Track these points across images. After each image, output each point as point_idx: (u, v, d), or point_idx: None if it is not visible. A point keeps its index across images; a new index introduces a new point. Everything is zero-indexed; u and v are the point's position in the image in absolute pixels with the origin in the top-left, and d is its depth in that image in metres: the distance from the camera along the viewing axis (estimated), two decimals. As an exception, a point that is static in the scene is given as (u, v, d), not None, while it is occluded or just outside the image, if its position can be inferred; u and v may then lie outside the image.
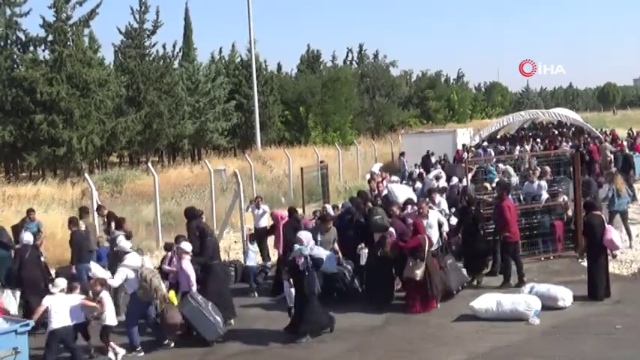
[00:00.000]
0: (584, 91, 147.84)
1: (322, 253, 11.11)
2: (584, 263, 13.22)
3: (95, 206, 14.74)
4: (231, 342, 10.39)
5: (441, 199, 14.96)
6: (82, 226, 12.90)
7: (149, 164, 22.86)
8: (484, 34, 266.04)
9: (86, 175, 19.28)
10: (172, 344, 10.24)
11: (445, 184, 18.13)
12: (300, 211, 16.25)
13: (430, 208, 13.06)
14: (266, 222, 15.59)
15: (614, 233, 11.82)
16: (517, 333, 10.07)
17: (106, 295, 9.95)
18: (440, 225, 12.38)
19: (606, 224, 11.84)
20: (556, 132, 43.55)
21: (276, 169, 29.93)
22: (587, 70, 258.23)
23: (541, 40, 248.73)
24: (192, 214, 12.53)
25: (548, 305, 10.90)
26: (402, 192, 15.08)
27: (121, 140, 35.24)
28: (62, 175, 32.73)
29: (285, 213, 14.06)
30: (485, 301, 10.87)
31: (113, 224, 13.33)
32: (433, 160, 29.76)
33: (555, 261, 14.40)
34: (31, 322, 9.07)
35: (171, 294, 10.55)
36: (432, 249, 11.71)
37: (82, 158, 33.07)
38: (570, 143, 30.81)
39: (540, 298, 10.85)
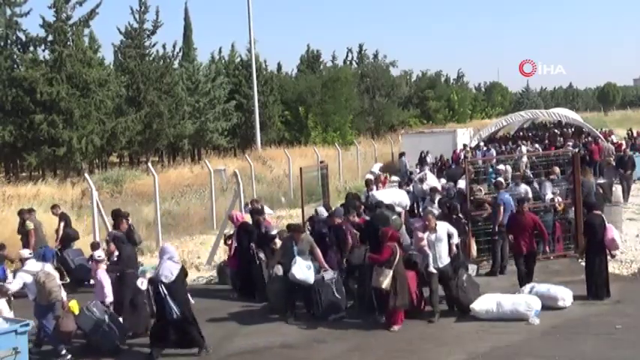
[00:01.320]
0: (584, 91, 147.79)
1: (300, 267, 10.93)
2: (584, 263, 13.22)
3: (95, 205, 14.77)
4: (231, 342, 10.38)
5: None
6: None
7: (149, 164, 22.88)
8: (484, 34, 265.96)
9: (86, 175, 19.28)
10: (69, 356, 9.89)
11: (435, 186, 17.42)
12: (298, 211, 16.17)
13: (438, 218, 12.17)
14: None
15: (615, 233, 11.82)
16: (517, 333, 10.07)
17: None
18: (449, 236, 11.33)
19: (607, 224, 11.83)
20: (557, 132, 43.61)
21: (276, 169, 29.94)
22: (587, 70, 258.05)
23: (541, 40, 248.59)
24: (115, 216, 12.44)
25: (548, 305, 10.90)
26: (385, 197, 14.33)
27: (121, 140, 35.25)
28: (62, 175, 32.73)
29: (240, 214, 13.81)
30: (486, 302, 10.86)
31: (61, 225, 13.52)
32: (429, 160, 29.80)
33: (555, 261, 14.40)
34: (32, 323, 9.07)
35: (72, 302, 10.23)
36: (442, 265, 11.02)
37: (82, 158, 33.08)
38: (572, 143, 30.81)
39: (540, 298, 10.85)
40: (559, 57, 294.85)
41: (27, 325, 8.79)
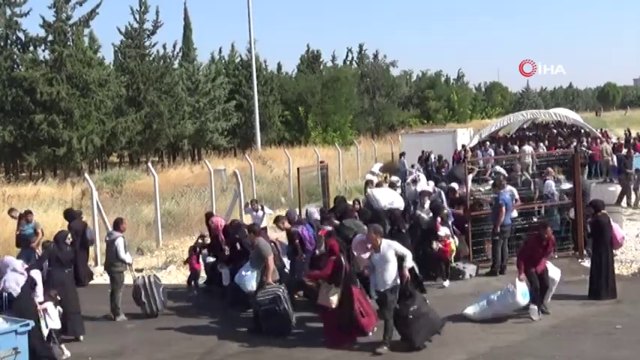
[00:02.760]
0: (584, 91, 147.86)
1: (241, 271, 10.62)
2: (584, 263, 13.23)
3: (95, 205, 14.77)
4: (231, 342, 10.38)
5: (427, 204, 14.22)
6: None
7: (149, 164, 22.86)
8: (484, 34, 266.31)
9: (86, 175, 19.29)
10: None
11: (427, 188, 16.82)
12: (297, 211, 16.10)
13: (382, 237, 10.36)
14: (265, 224, 15.50)
15: (621, 232, 11.81)
16: (517, 333, 10.07)
17: None
18: (401, 259, 9.58)
19: (612, 223, 11.76)
20: (554, 132, 43.63)
21: (276, 169, 29.91)
22: (587, 70, 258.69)
23: (541, 40, 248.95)
24: (67, 217, 12.34)
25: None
26: (384, 196, 13.96)
27: (121, 140, 35.28)
28: (62, 175, 32.74)
29: (221, 220, 13.61)
30: (477, 304, 10.74)
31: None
32: (432, 159, 29.74)
33: (555, 261, 14.35)
34: (31, 323, 9.06)
35: None
36: (385, 288, 9.49)
37: (82, 158, 33.11)
38: (574, 144, 30.82)
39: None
40: (559, 57, 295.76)
41: (27, 325, 8.78)
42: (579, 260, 13.91)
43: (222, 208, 19.17)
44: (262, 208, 15.77)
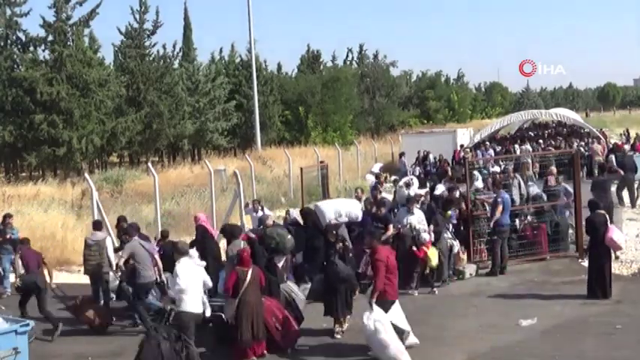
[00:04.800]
0: (584, 91, 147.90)
1: None
2: (585, 263, 13.23)
3: (95, 205, 14.72)
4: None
5: (418, 211, 13.35)
6: None
7: (149, 164, 22.84)
8: (484, 34, 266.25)
9: (86, 175, 19.25)
10: None
11: (419, 192, 16.40)
12: (292, 212, 16.04)
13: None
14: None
15: (616, 233, 11.72)
16: (517, 333, 10.07)
17: None
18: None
19: (609, 224, 11.78)
20: (552, 131, 43.69)
21: (276, 169, 29.92)
22: (587, 70, 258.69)
23: (541, 40, 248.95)
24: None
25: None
26: (330, 208, 13.06)
27: (121, 140, 35.29)
28: (62, 175, 32.74)
29: (204, 217, 13.38)
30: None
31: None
32: (430, 160, 29.78)
33: (555, 261, 14.39)
34: (31, 323, 9.07)
35: None
36: None
37: (82, 158, 33.12)
38: (576, 143, 30.84)
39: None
40: (559, 57, 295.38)
41: (27, 325, 8.79)
42: (579, 260, 13.91)
43: (223, 208, 19.15)
44: (262, 209, 15.76)
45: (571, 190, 15.12)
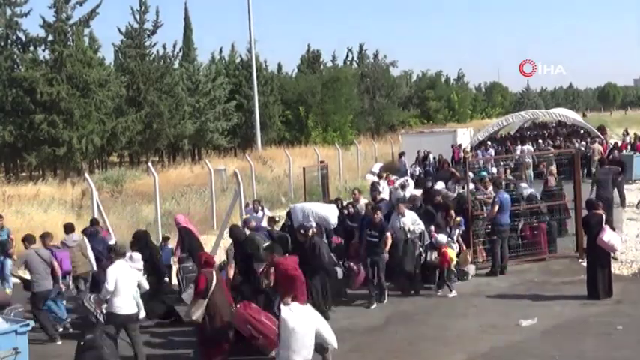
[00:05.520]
0: (584, 91, 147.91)
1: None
2: (584, 263, 13.23)
3: (95, 205, 14.74)
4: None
5: (410, 213, 12.75)
6: None
7: (149, 164, 22.87)
8: (484, 34, 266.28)
9: (86, 175, 19.27)
10: None
11: (414, 192, 16.10)
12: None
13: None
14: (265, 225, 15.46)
15: (608, 234, 11.52)
16: (517, 333, 10.07)
17: None
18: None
19: (604, 224, 11.72)
20: (552, 131, 43.68)
21: (276, 169, 29.92)
22: (587, 70, 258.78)
23: (541, 40, 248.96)
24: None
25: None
26: (299, 211, 12.86)
27: (121, 140, 35.31)
28: (62, 175, 32.75)
29: (184, 218, 13.49)
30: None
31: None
32: (430, 160, 29.77)
33: (555, 261, 14.39)
34: (32, 323, 9.07)
35: None
36: None
37: (82, 158, 33.13)
38: (577, 144, 30.82)
39: None
40: (559, 57, 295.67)
41: (27, 325, 8.78)
42: (579, 260, 13.91)
43: (223, 208, 19.16)
44: (262, 209, 15.78)
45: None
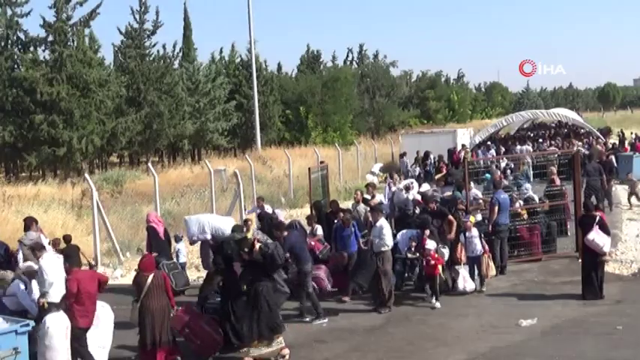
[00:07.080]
0: (584, 91, 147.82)
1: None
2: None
3: (95, 205, 14.74)
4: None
5: (383, 224, 11.77)
6: None
7: (149, 164, 22.87)
8: (484, 34, 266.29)
9: (86, 175, 19.28)
10: None
11: (418, 196, 15.73)
12: (298, 211, 16.07)
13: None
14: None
15: (593, 234, 11.36)
16: (517, 333, 10.07)
17: None
18: None
19: (595, 226, 11.45)
20: (552, 132, 43.70)
21: (276, 170, 29.92)
22: (587, 70, 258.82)
23: (541, 40, 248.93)
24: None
25: None
26: (194, 222, 12.20)
27: (121, 140, 35.29)
28: (62, 175, 32.74)
29: (155, 215, 13.44)
30: None
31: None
32: (431, 160, 29.77)
33: (555, 261, 14.40)
34: (32, 323, 9.06)
35: None
36: None
37: (82, 158, 33.12)
38: (578, 144, 30.84)
39: None
40: (559, 57, 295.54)
41: (27, 325, 8.78)
42: (579, 260, 13.89)
43: (223, 208, 19.17)
44: (263, 207, 15.81)
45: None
